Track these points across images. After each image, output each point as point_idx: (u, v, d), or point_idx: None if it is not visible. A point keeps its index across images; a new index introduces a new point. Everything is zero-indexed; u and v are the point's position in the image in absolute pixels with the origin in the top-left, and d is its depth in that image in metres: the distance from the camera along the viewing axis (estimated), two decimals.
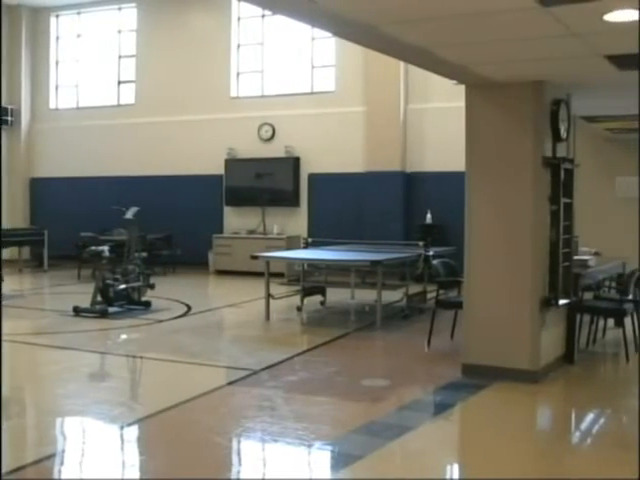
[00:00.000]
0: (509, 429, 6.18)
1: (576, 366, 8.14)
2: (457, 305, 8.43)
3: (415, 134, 15.99)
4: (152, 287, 11.96)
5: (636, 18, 5.01)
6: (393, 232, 15.42)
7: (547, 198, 7.49)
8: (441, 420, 6.60)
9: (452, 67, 6.78)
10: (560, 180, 7.53)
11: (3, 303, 10.26)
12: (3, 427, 5.69)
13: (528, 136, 7.37)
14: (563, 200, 7.58)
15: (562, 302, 7.64)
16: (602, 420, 6.67)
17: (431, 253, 11.52)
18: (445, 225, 14.92)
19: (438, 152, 15.38)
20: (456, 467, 5.66)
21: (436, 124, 15.56)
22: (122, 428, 6.10)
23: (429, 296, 11.25)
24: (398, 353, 9.11)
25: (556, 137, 7.63)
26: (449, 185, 14.05)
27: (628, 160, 12.85)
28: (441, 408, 7.00)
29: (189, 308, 11.94)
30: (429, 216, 15.49)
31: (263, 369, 7.91)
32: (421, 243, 12.22)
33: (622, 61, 6.51)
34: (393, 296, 11.60)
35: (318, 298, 12.14)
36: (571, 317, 8.24)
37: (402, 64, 14.56)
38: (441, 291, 9.25)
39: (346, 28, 5.64)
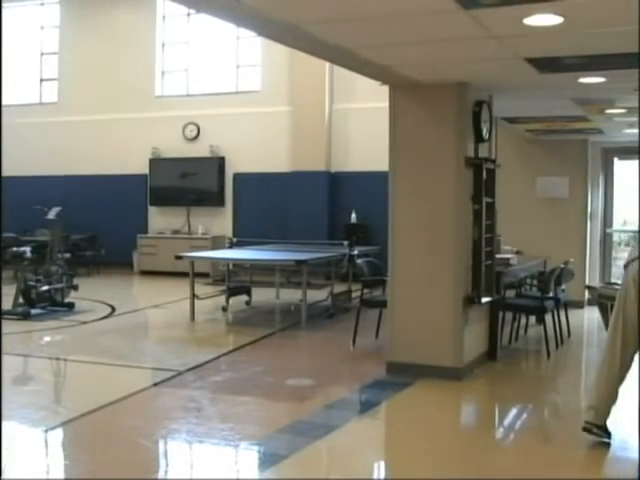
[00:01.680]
0: (434, 426, 6.25)
1: (499, 362, 8.29)
2: (382, 304, 8.48)
3: (340, 134, 16.08)
4: (75, 288, 11.82)
5: (554, 22, 5.12)
6: (318, 231, 15.48)
7: (469, 198, 7.58)
8: (367, 418, 6.66)
9: (376, 68, 6.82)
10: (482, 180, 7.64)
11: None
12: None
13: (451, 137, 7.45)
14: (485, 199, 7.69)
15: (485, 300, 7.76)
16: (525, 415, 6.78)
17: (356, 252, 11.61)
18: (370, 224, 15.02)
19: (363, 152, 15.48)
20: (382, 465, 5.71)
21: (361, 124, 15.66)
22: (46, 432, 6.01)
23: (354, 295, 11.32)
24: (324, 352, 9.15)
25: (478, 138, 7.74)
26: (374, 185, 14.11)
27: (548, 161, 13.06)
28: (367, 406, 7.06)
29: (113, 309, 11.82)
30: (354, 216, 15.58)
31: (189, 370, 7.87)
32: (346, 242, 12.30)
33: (542, 64, 6.63)
34: (318, 295, 11.64)
35: (243, 298, 12.12)
36: (494, 315, 8.37)
37: (327, 64, 14.59)
38: (366, 290, 9.31)
39: (270, 28, 5.63)
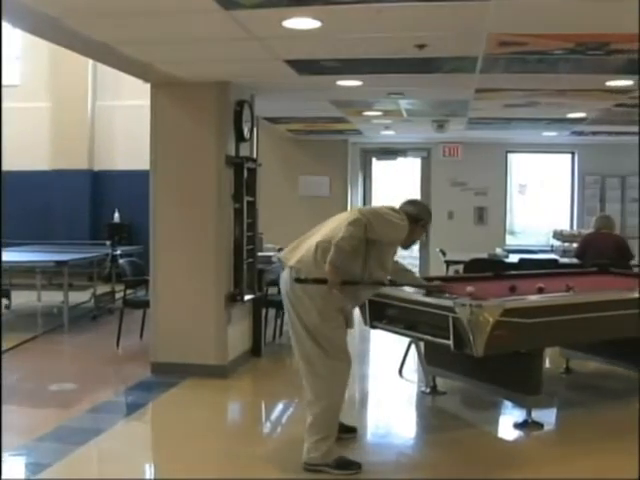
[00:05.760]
0: (201, 425, 6.27)
1: (264, 359, 8.43)
2: (145, 304, 8.40)
3: (104, 132, 15.72)
4: None
5: (312, 26, 5.26)
6: (80, 231, 15.10)
7: (230, 196, 7.64)
8: (133, 421, 6.56)
9: (136, 65, 6.73)
10: (243, 179, 7.73)
11: None
12: None
13: (212, 135, 7.49)
14: (246, 198, 7.79)
15: (247, 297, 7.87)
16: (291, 409, 6.91)
17: (118, 252, 11.45)
18: (134, 224, 14.77)
19: (128, 150, 15.18)
20: (149, 468, 5.66)
21: (126, 122, 15.34)
22: None
23: (117, 296, 11.15)
24: (87, 355, 8.93)
25: (239, 137, 7.81)
26: (138, 184, 13.76)
27: (310, 160, 13.40)
28: (133, 408, 6.94)
29: None
30: (117, 215, 15.29)
31: None
32: (108, 242, 12.10)
33: (300, 66, 6.81)
34: (81, 297, 11.39)
35: (3, 302, 11.65)
36: (257, 311, 8.51)
37: (91, 60, 14.26)
38: (129, 290, 9.20)
39: (26, 20, 5.43)
